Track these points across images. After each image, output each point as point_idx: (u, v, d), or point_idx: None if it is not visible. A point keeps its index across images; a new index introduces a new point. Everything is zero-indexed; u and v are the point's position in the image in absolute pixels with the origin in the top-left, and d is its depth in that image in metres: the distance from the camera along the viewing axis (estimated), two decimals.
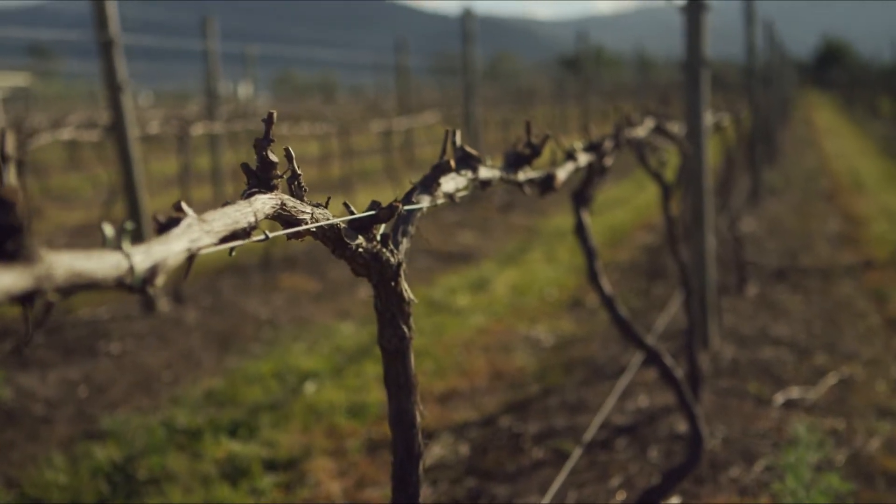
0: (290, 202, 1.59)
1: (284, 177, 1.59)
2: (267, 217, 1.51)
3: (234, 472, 4.96)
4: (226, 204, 1.42)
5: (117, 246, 1.09)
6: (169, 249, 1.17)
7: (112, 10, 7.49)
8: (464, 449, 5.18)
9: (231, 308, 8.34)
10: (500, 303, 8.69)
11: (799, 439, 4.59)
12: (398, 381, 2.01)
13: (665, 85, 52.62)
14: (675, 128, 5.47)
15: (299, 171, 1.71)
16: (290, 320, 8.07)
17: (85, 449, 5.28)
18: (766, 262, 9.58)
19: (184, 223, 1.25)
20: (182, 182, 11.20)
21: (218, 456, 5.17)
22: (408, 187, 2.18)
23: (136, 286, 1.10)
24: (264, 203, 1.49)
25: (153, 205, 13.70)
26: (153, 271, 1.13)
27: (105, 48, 7.50)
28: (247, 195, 1.51)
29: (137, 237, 5.74)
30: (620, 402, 5.42)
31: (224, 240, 1.36)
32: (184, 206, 1.30)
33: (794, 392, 5.58)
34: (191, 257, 1.25)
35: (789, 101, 37.56)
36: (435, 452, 5.16)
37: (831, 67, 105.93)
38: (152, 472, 4.96)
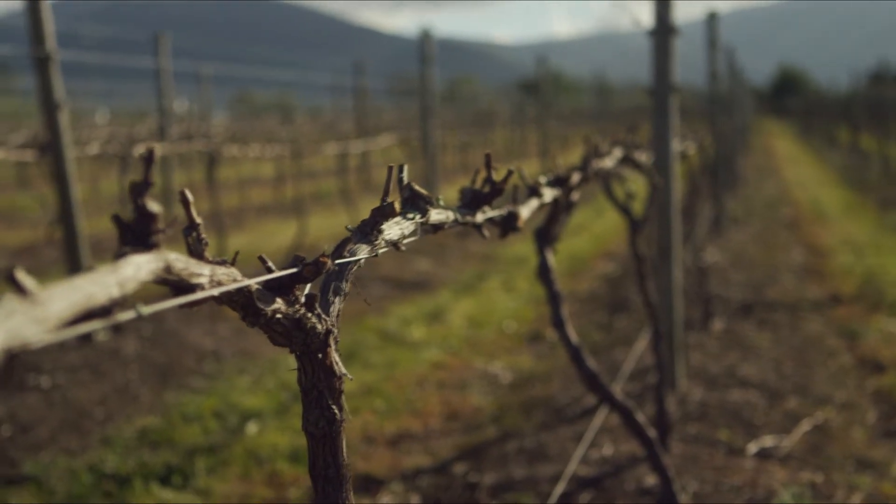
0: (180, 263, 1.21)
1: (167, 232, 1.22)
2: (144, 283, 1.14)
3: None
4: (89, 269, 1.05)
5: None
6: None
7: (49, 24, 7.08)
8: (415, 500, 4.81)
9: (173, 338, 7.91)
10: (457, 335, 8.32)
11: None
12: (326, 472, 1.64)
13: (624, 111, 52.69)
14: (644, 157, 5.14)
15: (198, 221, 1.34)
16: (235, 352, 7.67)
17: (2, 496, 4.87)
18: (732, 296, 9.27)
19: (3, 308, 0.88)
20: (124, 204, 10.76)
21: None
22: (363, 211, 1.83)
23: None
24: (139, 267, 1.11)
25: (98, 226, 13.27)
26: None
27: (41, 64, 7.09)
28: (117, 256, 1.13)
29: (74, 265, 5.30)
30: (584, 449, 5.07)
31: (73, 323, 0.99)
32: (19, 276, 0.93)
33: (768, 441, 5.25)
34: (12, 356, 0.88)
35: (749, 128, 37.56)
36: (384, 503, 4.79)
37: (788, 96, 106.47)
38: None
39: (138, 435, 5.79)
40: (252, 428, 5.91)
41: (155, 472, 5.17)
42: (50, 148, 7.37)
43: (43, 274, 11.02)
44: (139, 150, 11.85)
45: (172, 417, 6.11)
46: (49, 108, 7.20)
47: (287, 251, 11.71)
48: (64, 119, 7.27)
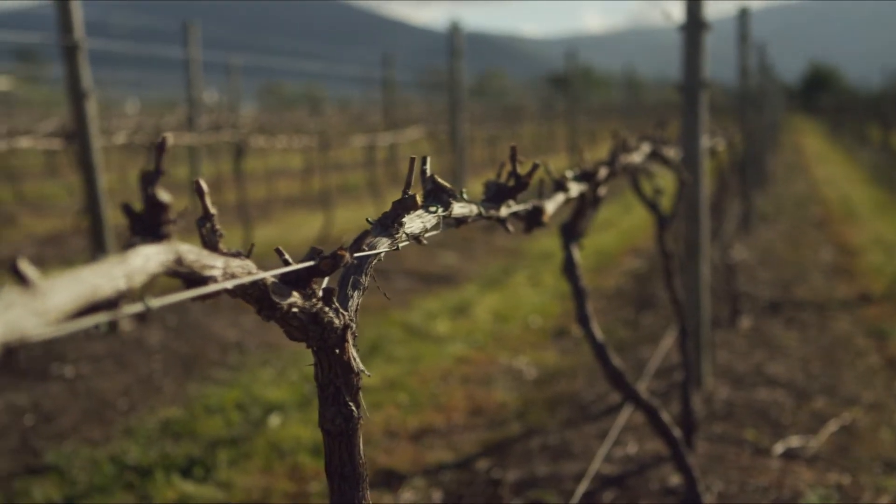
0: (192, 255, 1.18)
1: (180, 222, 1.18)
2: (155, 275, 1.10)
3: None
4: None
5: None
6: None
7: (77, 13, 7.08)
8: (437, 496, 4.77)
9: (197, 329, 7.91)
10: (482, 330, 8.28)
11: None
12: (342, 470, 1.60)
13: (653, 106, 52.51)
14: (672, 153, 5.08)
15: (213, 211, 1.30)
16: (259, 344, 7.65)
17: (24, 486, 4.86)
18: (760, 294, 9.19)
19: (2, 299, 0.85)
20: None
21: (168, 498, 4.75)
22: (390, 204, 1.80)
23: None
24: (148, 259, 1.08)
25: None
26: None
27: (69, 53, 7.09)
28: (126, 247, 1.10)
29: (100, 254, 5.30)
30: (608, 447, 5.01)
31: (76, 316, 0.96)
32: (22, 266, 0.90)
33: (795, 441, 5.18)
34: (11, 349, 0.85)
35: (778, 125, 37.30)
36: (405, 499, 4.75)
37: (819, 93, 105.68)
38: None
39: (161, 426, 5.77)
40: (274, 420, 5.89)
41: (177, 464, 5.15)
42: (77, 136, 7.37)
43: (69, 263, 11.04)
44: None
45: (195, 409, 6.09)
46: (76, 96, 7.20)
47: (313, 243, 11.67)
48: (91, 108, 7.27)
